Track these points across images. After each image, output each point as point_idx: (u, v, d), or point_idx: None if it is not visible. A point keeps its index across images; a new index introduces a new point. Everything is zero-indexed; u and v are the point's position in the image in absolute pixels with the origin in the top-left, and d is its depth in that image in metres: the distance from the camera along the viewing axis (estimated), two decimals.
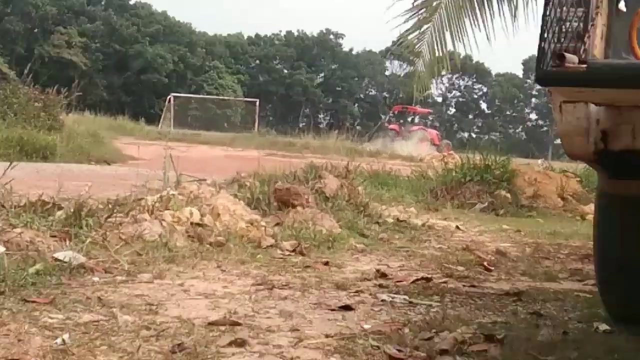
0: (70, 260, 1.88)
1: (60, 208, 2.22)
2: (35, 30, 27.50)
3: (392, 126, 20.61)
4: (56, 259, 1.88)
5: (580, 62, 1.10)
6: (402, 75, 31.80)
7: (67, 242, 2.04)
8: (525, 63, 37.47)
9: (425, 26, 4.64)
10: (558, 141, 1.69)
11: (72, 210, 2.17)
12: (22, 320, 1.44)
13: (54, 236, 2.06)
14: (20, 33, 26.86)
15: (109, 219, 2.26)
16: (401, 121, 21.97)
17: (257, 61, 36.86)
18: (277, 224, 2.74)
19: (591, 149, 1.42)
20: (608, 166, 1.52)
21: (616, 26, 1.28)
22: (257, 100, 23.22)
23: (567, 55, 1.09)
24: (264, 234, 2.49)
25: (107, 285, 1.85)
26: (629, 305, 1.65)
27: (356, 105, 38.29)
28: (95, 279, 1.87)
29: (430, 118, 25.16)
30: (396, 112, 22.88)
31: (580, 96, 1.33)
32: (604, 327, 1.66)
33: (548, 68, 1.13)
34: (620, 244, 1.64)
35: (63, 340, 1.35)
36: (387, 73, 38.34)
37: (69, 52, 27.67)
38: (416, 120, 23.14)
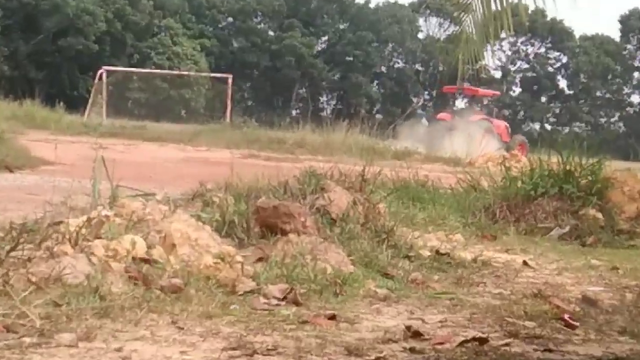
0: None
1: None
2: None
3: (441, 115, 21.26)
4: None
5: None
6: (442, 38, 33.91)
7: None
8: (623, 21, 40.20)
9: None
10: None
11: None
12: None
13: None
14: None
15: (12, 253, 2.43)
16: (455, 107, 22.35)
17: (230, 18, 38.29)
18: (260, 259, 2.92)
19: None
20: None
21: None
22: (230, 76, 22.82)
23: None
24: (240, 273, 2.68)
25: (10, 351, 1.96)
26: None
27: (375, 83, 40.11)
28: None
29: (488, 103, 25.00)
30: (444, 95, 23.84)
31: None
32: None
33: None
34: None
35: None
36: (420, 36, 41.21)
37: None
38: (474, 107, 22.88)
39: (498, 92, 29.83)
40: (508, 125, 22.22)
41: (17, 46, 30.37)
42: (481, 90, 22.12)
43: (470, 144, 15.16)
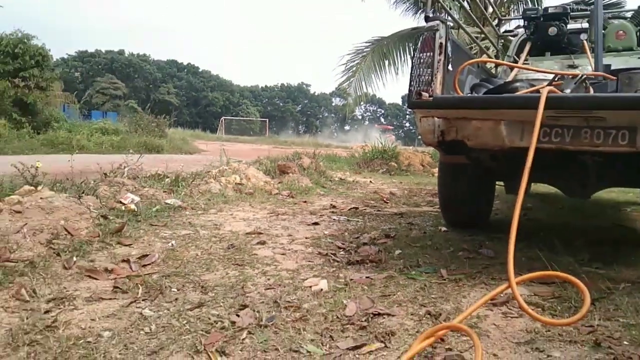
0: (174, 204, 5.04)
1: (167, 177, 5.83)
2: (150, 85, 68.41)
3: (384, 126, 46.42)
4: (166, 203, 5.22)
5: (429, 96, 2.83)
6: (340, 105, 66.61)
7: (172, 195, 5.36)
8: (403, 97, 73.88)
9: (352, 79, 12.39)
10: (420, 137, 4.82)
11: (174, 178, 5.76)
12: (150, 234, 3.45)
13: (165, 192, 5.49)
14: (143, 87, 67.14)
15: (193, 182, 5.66)
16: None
17: (266, 100, 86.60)
18: (280, 182, 6.16)
19: (436, 140, 3.15)
20: (443, 148, 3.40)
21: (447, 78, 3.22)
22: (267, 119, 61.39)
23: (423, 93, 2.84)
24: (273, 187, 5.96)
25: (194, 216, 4.66)
26: (453, 217, 4.50)
27: (318, 120, 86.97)
28: (187, 213, 4.78)
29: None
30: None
31: (429, 113, 3.10)
32: (444, 228, 4.45)
33: (414, 99, 2.87)
34: (447, 186, 4.46)
35: (172, 244, 3.15)
36: (333, 104, 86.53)
37: (168, 96, 66.42)
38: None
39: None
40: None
41: (192, 110, 73.25)
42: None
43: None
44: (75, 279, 2.57)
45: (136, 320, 2.07)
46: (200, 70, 77.91)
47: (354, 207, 5.46)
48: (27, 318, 2.04)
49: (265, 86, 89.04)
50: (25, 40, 16.83)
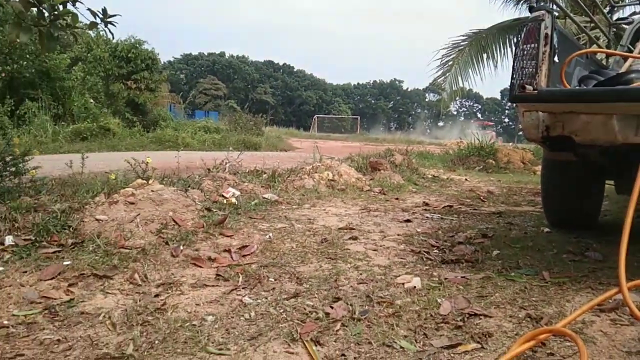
0: (270, 198, 5.26)
1: (264, 173, 6.07)
2: (249, 85, 72.59)
3: (484, 122, 46.17)
4: (264, 198, 5.43)
5: (534, 89, 2.71)
6: (434, 100, 68.81)
7: (269, 190, 5.58)
8: (502, 91, 71.07)
9: (448, 73, 11.87)
10: (520, 133, 4.56)
11: (270, 174, 5.98)
12: (249, 226, 3.66)
13: (263, 187, 5.73)
14: (242, 87, 71.42)
15: (288, 178, 5.85)
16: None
17: (358, 97, 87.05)
18: (371, 179, 6.15)
19: (540, 135, 2.98)
20: (548, 144, 3.21)
21: (553, 69, 3.05)
22: (358, 117, 59.81)
23: (527, 86, 2.71)
24: (364, 184, 5.97)
25: (289, 210, 4.84)
26: (557, 217, 4.23)
27: (410, 117, 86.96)
28: (283, 207, 4.99)
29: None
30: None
31: (533, 107, 2.95)
32: (547, 229, 4.22)
33: (517, 93, 2.75)
34: (551, 185, 4.19)
35: (269, 236, 3.36)
36: (426, 100, 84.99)
37: (265, 96, 70.23)
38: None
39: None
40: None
41: (286, 109, 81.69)
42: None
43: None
44: (182, 266, 2.75)
45: (237, 307, 2.18)
46: (295, 70, 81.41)
47: (448, 205, 5.33)
48: (139, 300, 2.23)
49: (358, 84, 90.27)
50: (137, 45, 18.21)
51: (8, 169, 3.64)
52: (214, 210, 3.99)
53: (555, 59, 3.03)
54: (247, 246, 3.14)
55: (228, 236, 3.40)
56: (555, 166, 4.03)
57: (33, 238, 2.89)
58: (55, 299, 2.23)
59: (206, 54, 74.30)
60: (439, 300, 2.26)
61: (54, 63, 14.99)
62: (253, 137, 17.84)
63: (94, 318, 2.04)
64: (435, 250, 3.29)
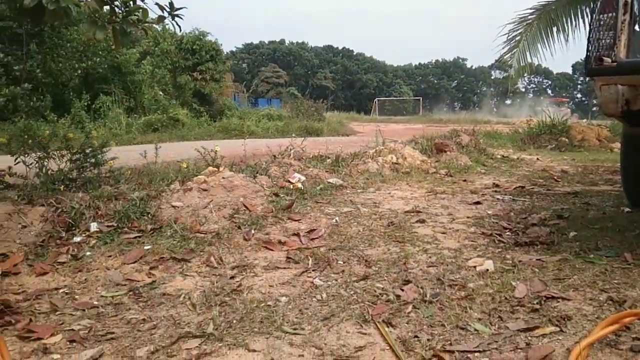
0: (335, 183, 5.32)
1: (328, 158, 6.10)
2: (309, 72, 72.74)
3: (559, 99, 42.19)
4: (329, 182, 5.51)
5: (612, 61, 2.60)
6: (501, 77, 68.53)
7: (333, 174, 5.65)
8: (574, 65, 72.96)
9: (515, 49, 10.94)
10: (595, 108, 4.34)
11: (334, 158, 6.01)
12: (316, 211, 3.85)
13: (327, 171, 5.78)
14: (302, 74, 71.53)
15: (352, 162, 5.87)
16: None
17: (420, 77, 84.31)
18: (437, 161, 6.02)
19: (619, 110, 2.94)
20: (628, 119, 3.38)
21: (634, 39, 2.91)
22: (420, 98, 54.06)
23: (604, 58, 2.61)
24: (430, 166, 5.86)
25: (354, 194, 4.86)
26: (638, 196, 3.97)
27: (475, 95, 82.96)
28: (348, 191, 5.02)
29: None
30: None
31: (612, 80, 2.87)
32: (627, 209, 3.99)
33: (593, 66, 2.65)
34: (631, 163, 3.95)
35: (336, 220, 3.52)
36: (492, 77, 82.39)
37: (325, 81, 70.31)
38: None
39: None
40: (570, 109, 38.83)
41: (347, 94, 74.42)
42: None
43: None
44: (254, 250, 2.84)
45: (308, 288, 2.23)
46: (354, 53, 79.94)
47: (519, 186, 5.16)
48: (216, 282, 2.32)
49: (419, 64, 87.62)
50: (201, 37, 18.72)
51: (88, 160, 3.87)
52: (282, 195, 4.07)
53: (636, 27, 2.89)
54: (314, 230, 3.19)
55: (296, 220, 3.47)
56: (636, 142, 3.83)
57: (115, 224, 3.07)
58: (138, 281, 2.37)
59: (267, 42, 75.10)
60: (513, 283, 2.21)
61: (124, 58, 15.71)
62: (315, 123, 17.99)
63: (175, 299, 2.15)
64: (507, 233, 3.20)
